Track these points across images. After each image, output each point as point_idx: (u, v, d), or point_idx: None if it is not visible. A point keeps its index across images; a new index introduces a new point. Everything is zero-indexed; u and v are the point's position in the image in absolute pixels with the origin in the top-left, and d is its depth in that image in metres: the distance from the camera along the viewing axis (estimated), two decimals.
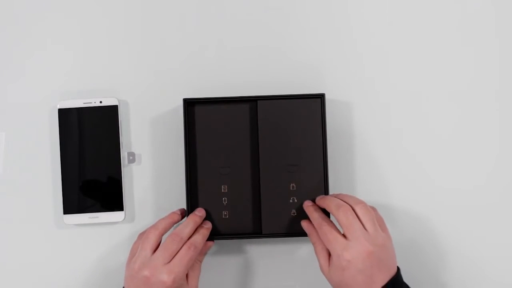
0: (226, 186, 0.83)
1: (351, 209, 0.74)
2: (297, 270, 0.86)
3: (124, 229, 0.86)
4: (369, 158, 0.86)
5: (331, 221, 0.76)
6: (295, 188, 0.82)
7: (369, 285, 0.72)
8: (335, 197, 0.78)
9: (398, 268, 0.75)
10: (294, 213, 0.82)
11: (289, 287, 0.86)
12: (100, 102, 0.85)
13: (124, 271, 0.77)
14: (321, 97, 0.82)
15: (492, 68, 0.87)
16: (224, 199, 0.83)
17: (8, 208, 0.86)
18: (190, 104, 0.83)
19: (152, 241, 0.77)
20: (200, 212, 0.81)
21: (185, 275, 0.77)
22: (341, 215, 0.74)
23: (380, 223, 0.76)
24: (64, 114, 0.85)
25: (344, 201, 0.76)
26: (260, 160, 0.83)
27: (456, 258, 0.85)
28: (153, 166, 0.86)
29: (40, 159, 0.86)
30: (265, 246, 0.86)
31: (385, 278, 0.72)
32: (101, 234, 0.86)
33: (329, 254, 0.76)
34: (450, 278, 0.85)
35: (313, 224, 0.78)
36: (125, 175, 0.85)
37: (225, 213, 0.83)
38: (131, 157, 0.86)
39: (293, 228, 0.82)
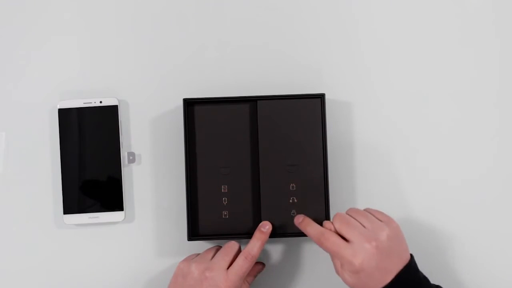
0: (226, 186, 0.83)
1: (343, 213, 0.75)
2: (297, 270, 0.86)
3: (124, 229, 0.86)
4: (369, 158, 0.86)
5: (328, 230, 0.75)
6: (295, 188, 0.82)
7: (385, 276, 0.71)
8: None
9: (411, 255, 0.74)
10: (294, 213, 0.82)
11: (289, 287, 0.86)
12: (100, 102, 0.85)
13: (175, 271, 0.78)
14: (321, 97, 0.82)
15: (493, 68, 0.87)
16: (224, 199, 0.83)
17: (8, 208, 0.86)
18: (190, 104, 0.83)
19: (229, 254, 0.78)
20: (266, 228, 0.80)
21: (239, 287, 0.76)
22: (336, 222, 0.74)
23: (376, 214, 0.75)
24: (64, 114, 0.85)
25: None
26: (260, 160, 0.83)
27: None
28: (153, 166, 0.86)
29: (40, 159, 0.86)
30: (265, 246, 0.86)
31: (398, 265, 0.72)
32: (101, 234, 0.86)
33: None
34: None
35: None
36: (125, 175, 0.85)
37: (225, 213, 0.83)
38: (131, 157, 0.86)
39: (293, 228, 0.82)
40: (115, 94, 0.86)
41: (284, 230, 0.82)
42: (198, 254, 0.81)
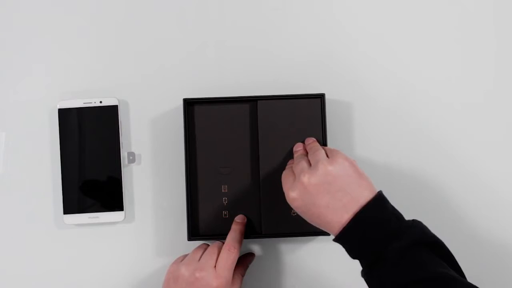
0: (226, 186, 0.83)
1: (302, 157, 0.77)
2: (297, 270, 0.86)
3: (124, 229, 0.86)
4: (369, 158, 0.86)
5: (291, 172, 0.76)
6: None
7: (335, 214, 0.70)
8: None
9: (379, 193, 0.71)
10: (294, 213, 0.82)
11: (289, 287, 0.86)
12: (100, 102, 0.85)
13: (166, 273, 0.79)
14: (321, 97, 0.82)
15: (493, 68, 0.87)
16: (224, 199, 0.83)
17: (8, 208, 0.86)
18: (190, 104, 0.83)
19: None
20: (240, 219, 0.82)
21: (231, 280, 0.77)
22: (294, 164, 0.77)
23: (328, 151, 0.75)
24: (64, 114, 0.85)
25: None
26: (260, 160, 0.83)
27: None
28: (153, 166, 0.86)
29: (40, 159, 0.86)
30: (265, 246, 0.86)
31: (351, 204, 0.70)
32: (101, 234, 0.86)
33: None
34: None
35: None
36: (125, 175, 0.85)
37: (225, 213, 0.83)
38: (131, 157, 0.86)
39: (293, 228, 0.82)
40: (115, 94, 0.86)
41: (284, 230, 0.83)
42: (186, 255, 0.80)
